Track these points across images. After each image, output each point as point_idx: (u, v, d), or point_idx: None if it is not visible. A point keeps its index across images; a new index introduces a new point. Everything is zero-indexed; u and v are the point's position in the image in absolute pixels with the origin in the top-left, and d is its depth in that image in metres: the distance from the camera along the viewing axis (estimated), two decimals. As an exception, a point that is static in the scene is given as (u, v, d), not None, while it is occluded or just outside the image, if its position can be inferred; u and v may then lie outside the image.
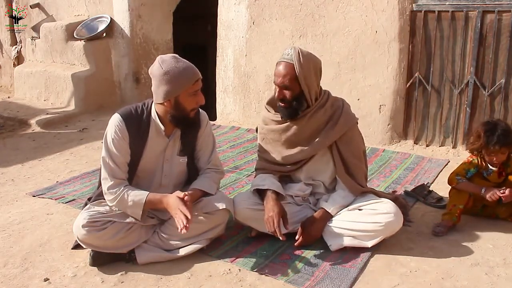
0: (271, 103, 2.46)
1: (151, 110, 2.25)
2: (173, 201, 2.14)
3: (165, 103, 2.16)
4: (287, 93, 2.26)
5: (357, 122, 2.43)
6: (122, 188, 2.17)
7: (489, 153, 2.44)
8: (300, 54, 2.23)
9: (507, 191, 2.39)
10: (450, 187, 2.59)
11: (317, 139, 2.35)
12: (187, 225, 2.05)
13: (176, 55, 2.17)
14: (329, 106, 2.36)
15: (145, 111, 2.24)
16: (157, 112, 2.23)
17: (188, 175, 2.42)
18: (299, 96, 2.27)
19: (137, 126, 2.21)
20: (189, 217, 2.07)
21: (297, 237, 2.30)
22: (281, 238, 2.19)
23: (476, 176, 2.56)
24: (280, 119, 2.39)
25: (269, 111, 2.47)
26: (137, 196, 2.16)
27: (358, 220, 2.24)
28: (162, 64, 2.11)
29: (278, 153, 2.43)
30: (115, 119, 2.20)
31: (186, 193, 2.16)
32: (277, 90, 2.28)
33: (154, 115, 2.23)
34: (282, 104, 2.30)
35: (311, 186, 2.47)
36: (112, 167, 2.18)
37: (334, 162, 2.37)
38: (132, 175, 2.29)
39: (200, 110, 2.33)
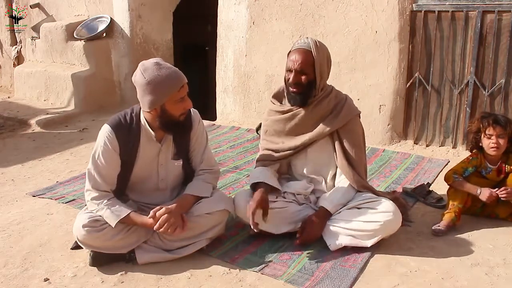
0: (277, 95, 2.52)
1: (140, 117, 2.22)
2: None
3: (151, 112, 2.13)
4: (303, 77, 2.31)
5: (359, 115, 2.47)
6: (106, 201, 2.17)
7: (486, 134, 2.46)
8: (317, 43, 2.32)
9: (503, 191, 2.40)
10: (452, 187, 2.59)
11: (319, 126, 2.39)
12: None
13: (159, 61, 2.10)
14: (333, 97, 2.43)
15: (134, 118, 2.22)
16: (146, 118, 2.20)
17: (185, 177, 2.42)
18: (312, 82, 2.33)
19: (127, 135, 2.19)
20: (168, 234, 2.16)
21: (297, 235, 2.30)
22: (252, 227, 2.20)
23: (474, 175, 2.56)
24: (285, 109, 2.43)
25: (274, 104, 2.51)
26: (118, 211, 2.15)
27: (357, 219, 2.24)
28: (144, 73, 2.05)
29: (282, 143, 2.47)
30: (105, 131, 2.19)
31: (159, 213, 2.14)
32: (293, 74, 2.32)
33: (144, 122, 2.21)
34: (295, 90, 2.34)
35: (312, 184, 2.48)
36: (96, 180, 2.18)
37: (336, 153, 2.39)
38: (126, 182, 2.30)
39: (192, 109, 2.31)
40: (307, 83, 2.32)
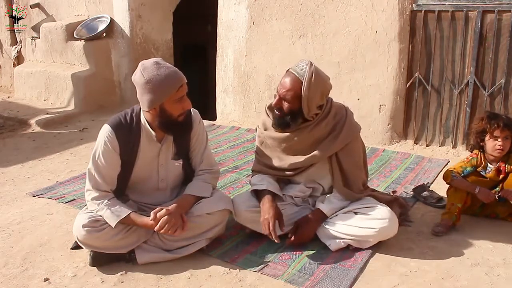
0: (271, 107, 2.42)
1: (140, 117, 2.22)
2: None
3: (150, 111, 2.13)
4: (285, 105, 2.21)
5: (360, 131, 2.38)
6: (106, 201, 2.17)
7: (492, 136, 2.45)
8: (313, 75, 2.15)
9: (503, 192, 2.40)
10: (450, 185, 2.60)
11: (317, 150, 2.30)
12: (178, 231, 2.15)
13: (159, 60, 2.10)
14: (332, 117, 2.30)
15: (134, 118, 2.22)
16: (146, 118, 2.20)
17: (185, 177, 2.42)
18: (296, 112, 2.21)
19: (127, 135, 2.19)
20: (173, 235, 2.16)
21: (289, 235, 2.30)
22: (276, 241, 2.19)
23: (474, 174, 2.56)
24: None
25: (268, 116, 2.42)
26: (118, 211, 2.15)
27: (353, 224, 2.23)
28: (143, 72, 2.06)
29: (278, 158, 2.40)
30: (105, 131, 2.19)
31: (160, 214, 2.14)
32: (277, 98, 2.23)
33: (144, 122, 2.21)
34: (277, 113, 2.26)
35: (311, 188, 2.47)
36: (97, 180, 2.18)
37: (333, 173, 2.34)
38: (126, 182, 2.30)
39: (192, 109, 2.30)
40: (289, 112, 2.21)
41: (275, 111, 2.27)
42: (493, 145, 2.46)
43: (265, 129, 2.42)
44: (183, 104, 2.14)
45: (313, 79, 2.14)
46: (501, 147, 2.44)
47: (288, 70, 2.24)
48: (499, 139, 2.44)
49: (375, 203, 2.30)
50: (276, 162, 2.40)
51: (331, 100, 2.35)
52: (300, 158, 2.34)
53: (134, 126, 2.21)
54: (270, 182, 2.35)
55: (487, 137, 2.49)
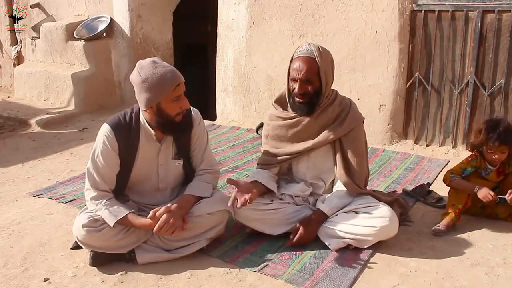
0: (279, 101, 2.47)
1: (140, 117, 2.23)
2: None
3: (148, 110, 2.14)
4: (309, 87, 2.27)
5: (363, 121, 2.44)
6: (105, 201, 2.17)
7: (489, 150, 2.45)
8: (320, 49, 2.27)
9: (508, 196, 2.39)
10: (450, 187, 2.60)
11: (322, 133, 2.36)
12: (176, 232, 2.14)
13: (156, 60, 2.10)
14: (337, 104, 2.38)
15: (134, 118, 2.22)
16: (145, 118, 2.21)
17: (185, 177, 2.42)
18: (318, 90, 2.29)
19: (127, 134, 2.19)
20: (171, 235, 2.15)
21: (291, 236, 2.30)
22: (232, 208, 2.24)
23: (474, 175, 2.56)
24: (289, 116, 2.40)
25: (276, 109, 2.47)
26: (116, 212, 2.15)
27: (354, 223, 2.23)
28: (140, 71, 2.07)
29: (284, 148, 2.44)
30: (104, 130, 2.19)
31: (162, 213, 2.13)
32: (298, 85, 2.26)
33: (143, 121, 2.21)
34: (301, 100, 2.30)
35: (311, 186, 2.47)
36: (96, 179, 2.19)
37: (336, 160, 2.37)
38: (125, 182, 2.30)
39: (192, 108, 2.30)
40: (314, 92, 2.28)
41: (299, 98, 2.30)
42: (489, 156, 2.48)
43: (271, 121, 2.47)
44: (180, 103, 2.14)
45: (321, 50, 2.27)
46: (497, 160, 2.47)
47: (293, 58, 2.30)
48: (496, 154, 2.45)
49: (376, 202, 2.31)
50: (282, 151, 2.44)
51: (337, 91, 2.43)
52: (306, 143, 2.38)
53: (134, 126, 2.21)
54: (264, 176, 2.37)
55: (485, 148, 2.48)
